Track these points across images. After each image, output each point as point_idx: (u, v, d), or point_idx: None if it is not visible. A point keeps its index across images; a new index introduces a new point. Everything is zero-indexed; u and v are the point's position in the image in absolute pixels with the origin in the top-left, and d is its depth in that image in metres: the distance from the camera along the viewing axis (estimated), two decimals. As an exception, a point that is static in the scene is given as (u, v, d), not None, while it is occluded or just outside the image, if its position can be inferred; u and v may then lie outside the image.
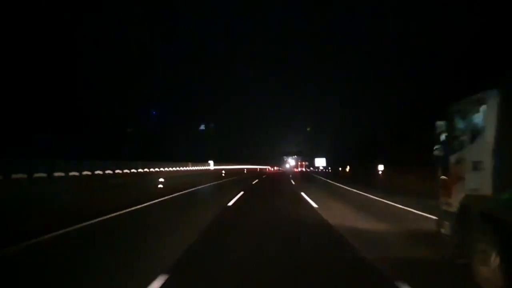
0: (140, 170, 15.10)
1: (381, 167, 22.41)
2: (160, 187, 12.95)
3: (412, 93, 22.72)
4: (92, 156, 16.58)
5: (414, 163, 20.77)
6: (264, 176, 30.28)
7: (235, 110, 66.71)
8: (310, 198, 10.45)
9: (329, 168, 57.34)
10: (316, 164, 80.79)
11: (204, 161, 30.79)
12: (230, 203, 9.26)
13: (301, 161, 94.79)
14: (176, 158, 24.14)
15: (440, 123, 4.15)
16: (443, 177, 4.01)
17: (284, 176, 32.94)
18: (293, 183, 19.95)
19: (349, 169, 39.12)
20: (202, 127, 54.18)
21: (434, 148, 4.28)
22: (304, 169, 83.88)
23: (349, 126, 49.13)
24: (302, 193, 12.33)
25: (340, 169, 41.34)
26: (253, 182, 20.01)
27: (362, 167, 35.30)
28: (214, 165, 30.51)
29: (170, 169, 19.16)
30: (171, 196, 10.92)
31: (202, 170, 24.19)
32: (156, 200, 9.59)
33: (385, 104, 30.03)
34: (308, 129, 75.57)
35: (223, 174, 27.24)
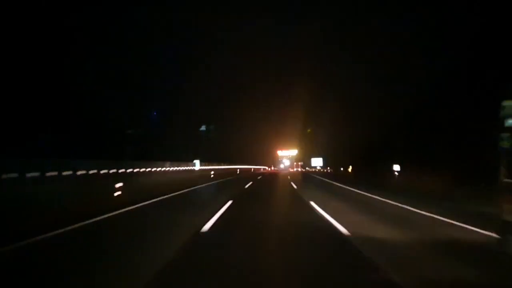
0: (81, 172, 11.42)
1: (397, 167, 19.12)
2: (118, 195, 9.42)
3: (413, 93, 21.54)
4: (92, 156, 16.13)
5: (418, 163, 18.01)
6: (259, 178, 26.80)
7: (233, 110, 67.13)
8: (328, 214, 7.03)
9: (328, 168, 54.10)
10: (313, 164, 77.92)
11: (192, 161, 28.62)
12: (207, 226, 5.74)
13: (296, 161, 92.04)
14: (178, 158, 22.86)
15: (509, 104, 3.13)
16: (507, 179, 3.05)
17: (281, 177, 29.47)
18: (295, 186, 16.50)
19: (352, 170, 35.98)
20: (203, 127, 55.41)
21: (500, 137, 3.21)
22: (299, 169, 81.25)
23: (349, 125, 46.35)
24: (312, 203, 8.93)
25: (342, 169, 38.16)
26: (246, 186, 16.53)
27: (366, 167, 32.21)
28: (203, 165, 27.01)
29: (139, 170, 15.50)
30: (120, 211, 7.35)
31: (185, 171, 20.60)
32: (89, 221, 6.04)
33: (386, 103, 27.98)
34: (308, 130, 73.04)
35: (211, 176, 23.72)
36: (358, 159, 36.02)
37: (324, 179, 25.30)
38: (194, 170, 21.68)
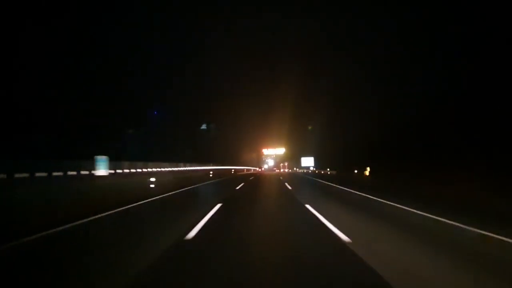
0: None
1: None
2: None
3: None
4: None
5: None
6: (239, 187, 16.35)
7: (231, 110, 64.55)
8: None
9: (328, 169, 44.13)
10: (303, 164, 68.37)
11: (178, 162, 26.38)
12: None
13: (283, 161, 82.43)
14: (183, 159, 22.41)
15: None
16: None
17: (276, 184, 19.18)
18: (317, 214, 6.05)
19: (370, 173, 26.26)
20: (204, 126, 56.50)
21: None
22: (286, 170, 71.69)
23: (350, 123, 37.47)
24: None
25: (355, 171, 28.39)
26: (201, 223, 5.92)
27: (392, 169, 22.74)
28: (139, 166, 16.34)
29: None
30: None
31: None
32: None
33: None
34: (309, 127, 64.84)
35: (151, 186, 12.96)
36: (376, 159, 26.43)
37: (338, 186, 14.77)
38: (94, 176, 10.53)
